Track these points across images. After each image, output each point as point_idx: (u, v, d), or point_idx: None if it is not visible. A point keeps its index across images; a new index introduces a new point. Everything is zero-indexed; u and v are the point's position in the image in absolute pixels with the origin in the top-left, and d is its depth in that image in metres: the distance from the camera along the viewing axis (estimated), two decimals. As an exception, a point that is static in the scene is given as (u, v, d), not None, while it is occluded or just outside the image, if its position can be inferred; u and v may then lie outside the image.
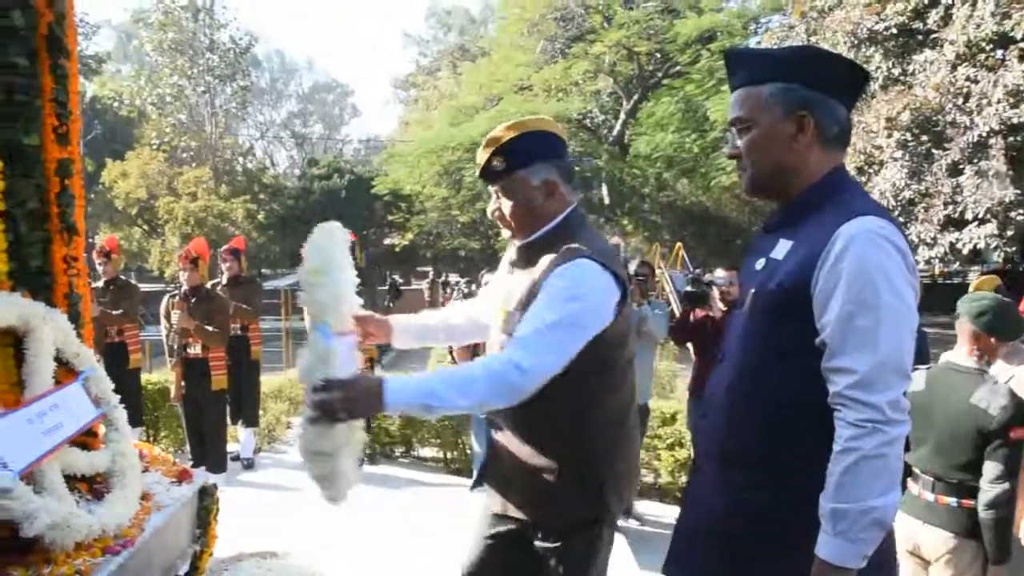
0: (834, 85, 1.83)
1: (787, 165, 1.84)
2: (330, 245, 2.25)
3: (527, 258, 2.35)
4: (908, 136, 13.33)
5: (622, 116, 20.80)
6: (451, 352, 5.71)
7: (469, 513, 4.38)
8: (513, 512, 2.38)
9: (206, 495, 2.68)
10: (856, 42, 14.13)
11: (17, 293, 2.32)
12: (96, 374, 2.52)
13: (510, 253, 2.47)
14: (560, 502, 2.27)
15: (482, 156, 2.33)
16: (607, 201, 20.05)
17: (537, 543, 2.35)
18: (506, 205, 2.33)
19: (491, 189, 2.38)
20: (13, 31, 2.33)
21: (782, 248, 1.83)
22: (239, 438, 7.37)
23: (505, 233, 2.43)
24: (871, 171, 14.14)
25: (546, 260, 2.24)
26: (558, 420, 2.24)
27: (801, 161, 1.83)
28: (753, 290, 1.86)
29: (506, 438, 2.38)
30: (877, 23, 13.90)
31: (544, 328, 2.08)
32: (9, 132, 2.36)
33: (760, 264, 1.88)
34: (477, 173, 2.40)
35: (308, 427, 2.01)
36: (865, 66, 12.95)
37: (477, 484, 2.51)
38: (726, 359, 1.96)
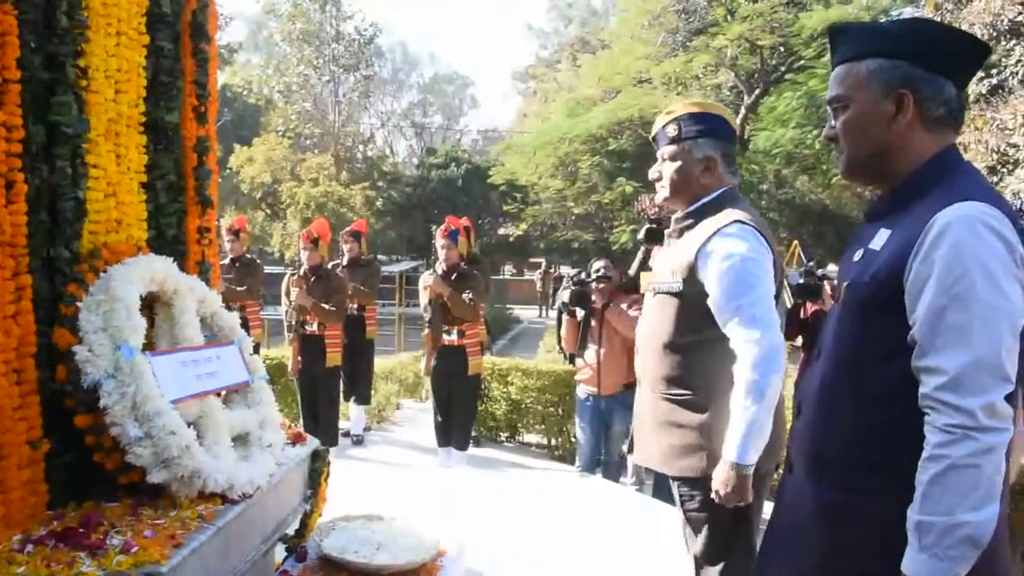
0: (942, 61, 1.65)
1: (885, 147, 1.70)
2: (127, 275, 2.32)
3: (681, 230, 2.63)
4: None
5: (742, 111, 20.36)
6: (559, 341, 5.73)
7: (570, 496, 4.46)
8: (657, 466, 2.67)
9: (318, 458, 2.81)
10: (996, 34, 13.42)
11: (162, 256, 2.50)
12: (246, 343, 2.69)
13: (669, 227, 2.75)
14: (696, 455, 2.51)
15: (660, 121, 2.64)
16: (723, 197, 19.68)
17: (683, 498, 2.60)
18: (668, 169, 2.61)
19: (658, 153, 2.65)
20: (162, 17, 2.51)
21: (881, 237, 1.68)
22: (350, 415, 7.59)
23: (658, 197, 2.72)
24: (1004, 171, 13.44)
25: (700, 231, 2.50)
26: (692, 375, 2.55)
27: (902, 143, 1.68)
28: (847, 283, 1.73)
29: (643, 401, 2.70)
30: (1020, 14, 13.18)
31: (741, 298, 2.42)
32: (153, 110, 2.54)
33: (858, 255, 1.74)
34: (652, 134, 2.70)
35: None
36: (1004, 60, 12.37)
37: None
38: (821, 355, 1.83)
